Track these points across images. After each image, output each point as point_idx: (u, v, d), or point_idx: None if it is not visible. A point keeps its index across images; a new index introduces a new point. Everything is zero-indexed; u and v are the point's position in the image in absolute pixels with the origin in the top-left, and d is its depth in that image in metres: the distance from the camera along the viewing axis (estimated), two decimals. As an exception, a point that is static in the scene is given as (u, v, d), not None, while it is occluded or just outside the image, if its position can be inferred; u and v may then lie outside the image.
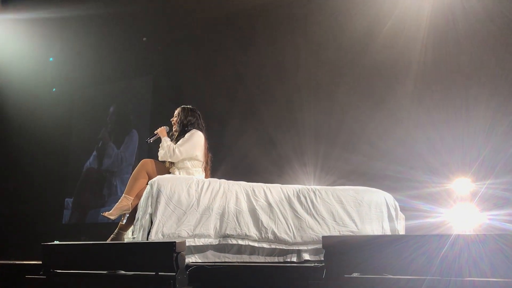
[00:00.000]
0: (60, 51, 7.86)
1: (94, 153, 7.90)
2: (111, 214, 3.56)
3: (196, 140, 3.78)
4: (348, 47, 5.69)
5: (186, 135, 3.82)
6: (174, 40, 7.22)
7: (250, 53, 6.41)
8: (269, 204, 3.45)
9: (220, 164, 5.30)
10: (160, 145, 3.84)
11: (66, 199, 7.95)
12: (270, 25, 6.35)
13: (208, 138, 3.94)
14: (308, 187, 3.64)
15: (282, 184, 3.72)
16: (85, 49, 7.64)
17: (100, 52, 7.56)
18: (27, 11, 7.26)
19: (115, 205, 3.59)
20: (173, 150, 3.71)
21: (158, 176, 3.45)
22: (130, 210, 3.60)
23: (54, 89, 8.28)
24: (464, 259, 2.11)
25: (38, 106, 7.95)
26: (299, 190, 3.56)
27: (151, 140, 3.99)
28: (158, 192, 3.29)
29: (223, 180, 3.58)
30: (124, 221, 3.67)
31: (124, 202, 3.58)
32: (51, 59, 8.12)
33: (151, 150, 5.95)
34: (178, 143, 3.77)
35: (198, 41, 6.88)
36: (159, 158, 3.80)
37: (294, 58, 6.05)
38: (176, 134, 3.93)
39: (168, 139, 3.83)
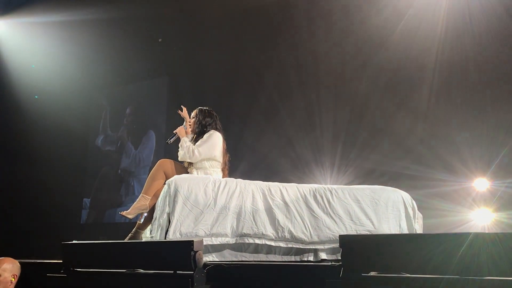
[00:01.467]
0: (74, 53, 7.96)
1: (113, 148, 7.98)
2: (129, 213, 3.61)
3: (215, 141, 3.81)
4: (368, 46, 5.66)
5: (205, 136, 3.85)
6: (190, 40, 7.22)
7: (269, 52, 6.39)
8: (286, 203, 3.45)
9: (240, 163, 5.32)
10: (179, 145, 3.86)
11: (84, 199, 8.05)
12: (289, 24, 6.32)
13: (227, 138, 3.97)
14: (325, 186, 3.63)
15: (298, 183, 3.71)
16: (102, 50, 7.71)
17: (116, 53, 7.63)
18: (51, 15, 7.50)
19: (133, 205, 3.63)
20: (193, 151, 3.73)
21: (176, 176, 3.48)
22: (148, 209, 3.63)
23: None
24: (483, 258, 2.09)
25: (56, 107, 8.06)
26: (316, 189, 3.55)
27: (171, 140, 4.00)
28: (176, 191, 3.32)
29: (239, 180, 3.59)
30: (142, 220, 3.71)
31: (142, 202, 3.62)
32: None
33: (168, 151, 5.98)
34: (197, 143, 3.80)
35: (215, 41, 6.86)
36: (179, 159, 3.83)
37: (314, 57, 6.02)
38: (194, 135, 3.96)
39: (187, 140, 3.84)
